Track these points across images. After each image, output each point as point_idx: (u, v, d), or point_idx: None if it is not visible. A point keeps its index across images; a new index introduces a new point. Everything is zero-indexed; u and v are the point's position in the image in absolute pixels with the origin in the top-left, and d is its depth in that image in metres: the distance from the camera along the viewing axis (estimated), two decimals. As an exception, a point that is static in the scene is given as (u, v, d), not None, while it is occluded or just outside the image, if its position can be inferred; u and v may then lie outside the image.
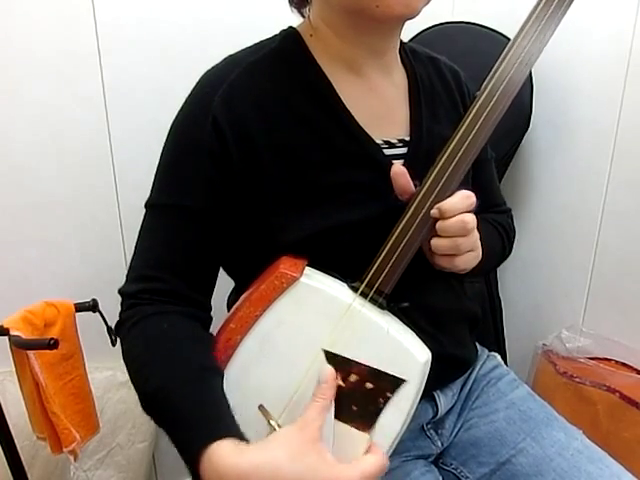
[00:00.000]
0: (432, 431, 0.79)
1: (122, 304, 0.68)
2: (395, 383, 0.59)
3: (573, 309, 1.32)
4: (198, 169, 0.65)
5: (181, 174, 0.66)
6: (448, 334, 0.76)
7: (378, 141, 0.69)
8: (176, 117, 0.68)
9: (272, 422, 0.59)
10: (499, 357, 0.93)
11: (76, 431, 0.99)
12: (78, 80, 1.09)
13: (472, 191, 0.63)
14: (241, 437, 0.54)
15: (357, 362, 0.59)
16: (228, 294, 0.83)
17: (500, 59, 0.63)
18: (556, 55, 1.18)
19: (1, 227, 1.09)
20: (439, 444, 0.79)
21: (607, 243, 1.23)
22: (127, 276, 0.69)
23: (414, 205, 0.62)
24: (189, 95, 0.68)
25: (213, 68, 0.69)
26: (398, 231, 0.62)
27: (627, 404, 1.13)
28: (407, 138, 0.72)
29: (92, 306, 1.01)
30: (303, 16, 0.73)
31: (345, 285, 0.64)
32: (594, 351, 1.26)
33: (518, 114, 1.24)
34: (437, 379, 0.66)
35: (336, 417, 0.57)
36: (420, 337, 0.64)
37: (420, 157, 0.70)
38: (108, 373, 1.21)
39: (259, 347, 0.62)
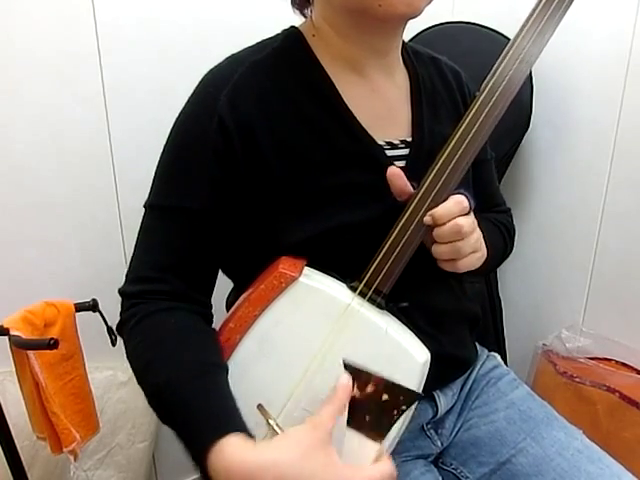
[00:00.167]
0: (432, 431, 0.79)
1: (122, 304, 0.68)
2: (412, 396, 0.59)
3: (573, 309, 1.32)
4: (201, 169, 0.65)
5: (183, 174, 0.66)
6: (447, 334, 0.76)
7: (380, 142, 0.69)
8: (178, 117, 0.68)
9: (270, 421, 0.59)
10: (499, 357, 0.93)
11: (76, 431, 0.99)
12: (78, 80, 1.09)
13: (472, 191, 0.63)
14: (249, 434, 0.54)
15: (375, 374, 0.59)
16: (227, 294, 0.83)
17: (500, 59, 0.63)
18: (556, 55, 1.18)
19: (1, 227, 1.09)
20: (439, 444, 0.79)
21: (607, 243, 1.23)
22: (127, 276, 0.69)
23: (412, 206, 0.62)
24: (192, 95, 0.68)
25: (216, 67, 0.69)
26: (396, 231, 0.62)
27: (627, 404, 1.13)
28: (409, 139, 0.72)
29: (92, 306, 1.01)
30: (305, 16, 0.73)
31: (344, 285, 0.64)
32: (594, 351, 1.26)
33: (518, 114, 1.24)
34: (437, 379, 0.66)
35: (348, 424, 0.57)
36: (419, 337, 0.64)
37: (422, 158, 0.70)
38: (108, 373, 1.21)
39: (258, 347, 0.62)
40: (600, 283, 1.26)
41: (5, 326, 0.90)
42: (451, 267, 0.65)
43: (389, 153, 0.70)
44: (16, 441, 0.96)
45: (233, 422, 0.55)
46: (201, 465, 0.52)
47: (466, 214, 0.63)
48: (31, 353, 0.92)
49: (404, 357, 0.60)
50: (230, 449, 0.51)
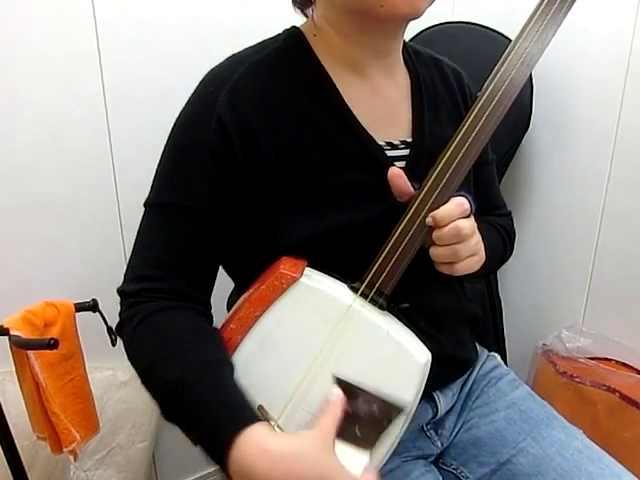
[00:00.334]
0: (432, 431, 0.79)
1: (121, 304, 0.68)
2: (400, 410, 0.60)
3: (573, 309, 1.32)
4: (201, 168, 0.65)
5: (183, 173, 0.66)
6: (448, 335, 0.76)
7: (380, 142, 0.69)
8: (179, 116, 0.68)
9: (271, 422, 0.58)
10: (499, 357, 0.93)
11: (76, 431, 0.99)
12: (78, 80, 1.09)
13: (473, 193, 0.63)
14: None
15: (366, 390, 0.59)
16: (228, 295, 0.83)
17: (502, 60, 0.63)
18: (556, 55, 1.18)
19: (1, 227, 1.09)
20: (439, 444, 0.79)
21: (607, 243, 1.23)
22: (126, 275, 0.69)
23: (414, 207, 0.62)
24: (192, 94, 0.68)
25: (216, 67, 0.69)
26: (398, 232, 0.62)
27: (627, 404, 1.13)
28: (409, 139, 0.72)
29: (92, 306, 1.01)
30: (306, 16, 0.73)
31: (345, 286, 0.64)
32: (594, 351, 1.26)
33: (518, 114, 1.24)
34: (437, 380, 0.66)
35: (338, 437, 0.57)
36: (420, 338, 0.64)
37: (422, 159, 0.70)
38: (108, 373, 1.21)
39: (259, 347, 0.62)
40: (600, 283, 1.26)
41: (5, 326, 0.90)
42: (448, 270, 0.65)
43: (389, 153, 0.70)
44: (16, 441, 0.96)
45: (253, 412, 0.55)
46: (221, 459, 0.52)
47: (467, 216, 0.63)
48: (31, 353, 0.92)
49: (405, 358, 0.60)
50: (260, 435, 0.52)
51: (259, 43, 0.71)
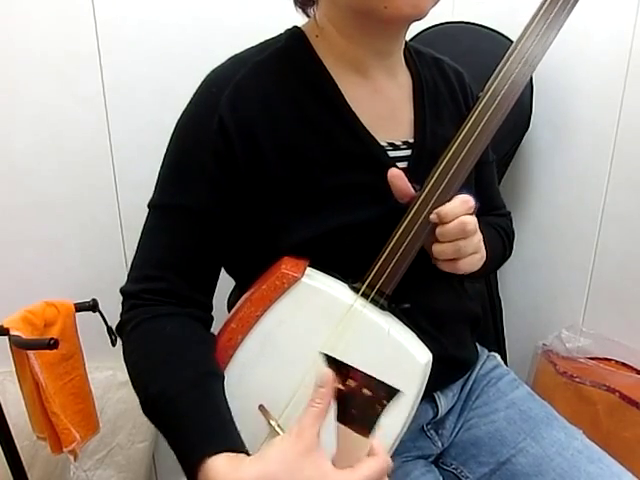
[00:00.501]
0: (432, 431, 0.79)
1: (123, 304, 0.68)
2: (390, 392, 0.59)
3: (573, 309, 1.32)
4: (203, 169, 0.65)
5: (186, 174, 0.66)
6: (449, 335, 0.76)
7: (382, 143, 0.69)
8: (181, 117, 0.68)
9: (272, 422, 0.59)
10: (499, 357, 0.93)
11: (76, 431, 0.99)
12: (78, 80, 1.09)
13: (474, 193, 0.63)
14: (240, 446, 0.53)
15: (354, 368, 0.59)
16: (228, 294, 0.83)
17: (504, 59, 0.63)
18: (556, 56, 1.17)
19: (1, 227, 1.09)
20: (439, 444, 0.79)
21: (607, 243, 1.23)
22: (129, 275, 0.69)
23: (415, 207, 0.62)
24: (194, 95, 0.68)
25: (218, 67, 0.69)
26: (399, 233, 0.62)
27: (627, 404, 1.13)
28: (411, 140, 0.72)
29: (92, 306, 1.02)
30: (308, 16, 0.73)
31: (346, 286, 0.64)
32: (594, 351, 1.26)
33: (518, 114, 1.24)
34: (438, 380, 0.66)
35: (338, 420, 0.57)
36: (421, 338, 0.64)
37: (424, 159, 0.70)
38: (108, 373, 1.21)
39: (260, 347, 0.62)
40: (600, 283, 1.26)
41: (5, 326, 0.90)
42: (451, 267, 0.65)
43: (391, 154, 0.70)
44: (16, 441, 0.96)
45: (224, 438, 0.54)
46: (193, 477, 0.53)
47: (470, 214, 0.62)
48: (31, 353, 0.92)
49: (406, 358, 0.60)
50: (217, 470, 0.51)
51: (261, 43, 0.71)
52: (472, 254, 0.65)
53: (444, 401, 0.79)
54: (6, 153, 1.07)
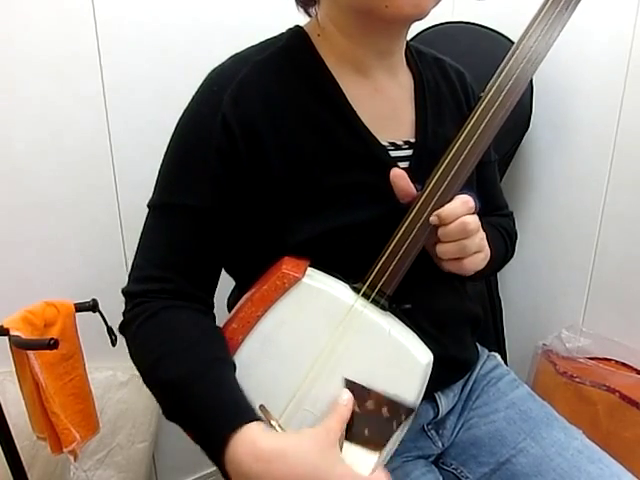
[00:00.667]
0: (433, 431, 0.79)
1: (126, 304, 0.68)
2: (409, 411, 0.60)
3: (573, 309, 1.32)
4: (205, 168, 0.65)
5: (187, 173, 0.66)
6: (450, 336, 0.76)
7: (384, 143, 0.69)
8: (182, 116, 0.68)
9: (273, 422, 0.59)
10: (499, 357, 0.93)
11: (76, 431, 0.99)
12: (78, 80, 1.09)
13: (475, 193, 0.63)
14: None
15: (375, 391, 0.60)
16: (228, 294, 0.83)
17: (506, 59, 0.63)
18: (556, 56, 1.17)
19: (1, 227, 1.09)
20: (440, 444, 0.79)
21: (607, 243, 1.24)
22: (130, 275, 0.69)
23: (416, 207, 0.62)
24: (196, 93, 0.68)
25: (220, 67, 0.69)
26: (400, 233, 0.62)
27: (627, 404, 1.14)
28: (412, 140, 0.72)
29: (92, 306, 1.01)
30: (310, 15, 0.73)
31: (347, 286, 0.64)
32: (594, 351, 1.26)
33: (518, 114, 1.24)
34: (438, 380, 0.66)
35: (347, 438, 0.57)
36: (422, 339, 0.64)
37: (425, 159, 0.70)
38: (108, 373, 1.21)
39: (261, 347, 0.62)
40: (600, 283, 1.27)
41: (5, 326, 0.90)
42: (456, 267, 0.65)
43: (392, 154, 0.70)
44: (16, 441, 0.96)
45: (250, 412, 0.56)
46: (218, 456, 0.53)
47: (471, 214, 0.62)
48: (31, 353, 0.92)
49: (407, 358, 0.60)
50: (256, 433, 0.52)
51: (261, 42, 0.71)
52: (476, 253, 0.65)
53: (445, 401, 0.79)
54: (6, 153, 1.06)
